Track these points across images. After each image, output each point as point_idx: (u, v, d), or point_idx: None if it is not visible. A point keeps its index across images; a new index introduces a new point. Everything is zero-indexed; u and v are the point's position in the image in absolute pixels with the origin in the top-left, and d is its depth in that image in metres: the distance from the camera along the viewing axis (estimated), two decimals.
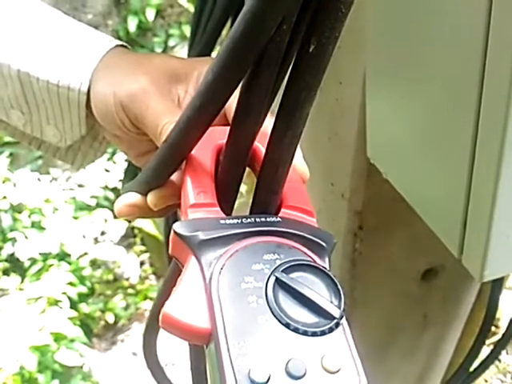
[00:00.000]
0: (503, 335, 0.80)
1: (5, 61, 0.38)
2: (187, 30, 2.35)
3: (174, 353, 1.87)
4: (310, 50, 0.23)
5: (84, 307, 1.91)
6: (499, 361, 1.78)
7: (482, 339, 0.79)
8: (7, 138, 2.12)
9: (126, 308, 2.05)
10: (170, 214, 0.79)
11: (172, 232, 0.27)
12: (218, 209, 0.29)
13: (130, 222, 2.15)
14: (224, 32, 0.72)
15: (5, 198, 2.00)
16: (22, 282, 1.92)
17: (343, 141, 0.63)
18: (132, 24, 2.32)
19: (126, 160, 2.15)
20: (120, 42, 0.40)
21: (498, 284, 0.77)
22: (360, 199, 0.64)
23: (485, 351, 0.84)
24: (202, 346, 0.54)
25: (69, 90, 0.38)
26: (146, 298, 2.07)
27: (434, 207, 0.47)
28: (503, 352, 0.89)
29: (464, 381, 0.81)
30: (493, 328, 0.83)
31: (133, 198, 0.35)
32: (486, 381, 1.80)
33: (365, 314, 0.74)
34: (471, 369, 0.83)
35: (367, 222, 0.66)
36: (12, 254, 1.97)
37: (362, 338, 0.24)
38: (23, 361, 1.61)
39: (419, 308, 0.79)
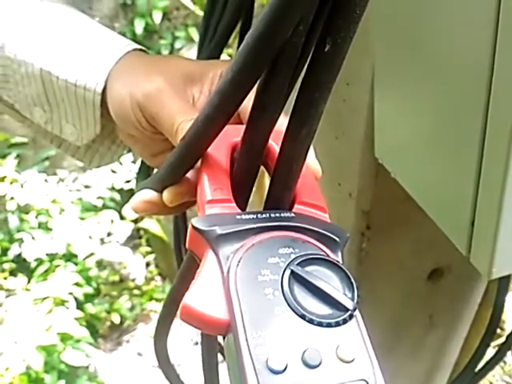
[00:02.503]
0: (508, 336, 0.80)
1: (29, 59, 0.40)
2: (193, 33, 2.36)
3: (180, 353, 1.88)
4: (326, 49, 0.24)
5: (90, 308, 1.92)
6: (504, 363, 1.78)
7: (488, 340, 0.79)
8: (14, 140, 2.14)
9: (132, 309, 2.06)
10: (179, 215, 0.80)
11: (190, 227, 0.28)
12: (234, 204, 0.30)
13: (136, 223, 2.16)
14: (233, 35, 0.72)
15: (12, 198, 2.01)
16: (29, 282, 1.93)
17: (351, 140, 0.63)
18: (139, 27, 2.33)
19: (133, 162, 2.16)
20: (138, 46, 0.41)
21: (504, 284, 0.77)
22: (367, 199, 0.64)
23: (489, 353, 0.84)
24: (215, 342, 0.55)
25: (85, 89, 0.39)
26: (151, 298, 2.08)
27: (442, 206, 0.47)
28: (508, 354, 0.89)
29: (469, 381, 0.81)
30: (497, 330, 0.83)
31: (148, 194, 0.35)
32: (491, 383, 1.80)
33: (370, 313, 0.74)
34: (476, 370, 0.83)
35: (375, 222, 0.66)
36: (19, 255, 1.98)
37: None
38: (30, 361, 1.62)
39: (425, 308, 0.80)
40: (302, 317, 0.24)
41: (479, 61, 0.38)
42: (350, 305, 0.25)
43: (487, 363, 0.82)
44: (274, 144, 0.32)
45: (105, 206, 2.13)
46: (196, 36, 2.28)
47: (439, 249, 0.71)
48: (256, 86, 0.26)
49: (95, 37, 0.40)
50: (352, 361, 0.24)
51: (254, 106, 0.27)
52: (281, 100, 0.26)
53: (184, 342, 1.94)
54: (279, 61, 0.25)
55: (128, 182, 2.13)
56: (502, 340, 0.82)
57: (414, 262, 0.72)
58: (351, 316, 0.25)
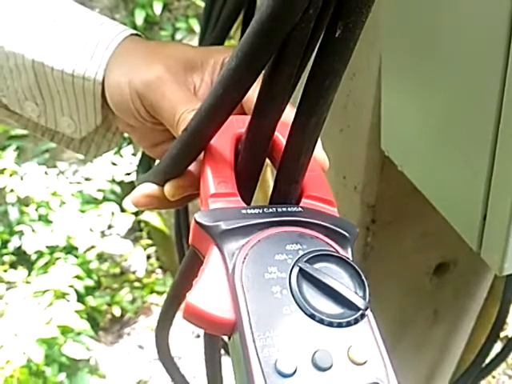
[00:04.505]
0: None
1: (19, 51, 0.38)
2: (194, 24, 2.34)
3: (180, 346, 1.88)
4: (337, 34, 0.23)
5: (91, 300, 1.92)
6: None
7: (495, 335, 0.78)
8: (14, 132, 2.12)
9: (133, 301, 2.06)
10: (181, 208, 0.79)
11: (193, 221, 0.27)
12: (239, 198, 0.28)
13: (136, 215, 2.15)
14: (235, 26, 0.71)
15: (12, 191, 2.00)
16: (29, 275, 1.92)
17: (356, 133, 0.62)
18: (139, 18, 2.31)
19: (133, 154, 2.15)
20: (134, 31, 0.39)
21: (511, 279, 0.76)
22: (373, 192, 0.63)
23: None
24: (217, 338, 0.53)
25: (84, 79, 0.38)
26: (152, 291, 2.08)
27: (452, 200, 0.46)
28: None
29: (476, 377, 0.80)
30: None
31: (149, 188, 0.34)
32: (493, 377, 1.79)
33: (375, 308, 0.73)
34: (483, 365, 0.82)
35: (380, 216, 0.65)
36: (19, 247, 1.98)
37: None
38: (30, 353, 1.62)
39: (430, 303, 0.79)
40: (312, 316, 0.23)
41: (493, 52, 0.36)
42: (361, 304, 0.24)
43: (494, 358, 0.81)
44: (280, 136, 0.31)
45: (105, 199, 2.12)
46: (197, 27, 2.26)
47: (445, 243, 0.70)
48: (262, 73, 0.25)
49: (88, 23, 0.38)
50: (364, 363, 0.23)
51: (260, 94, 0.25)
52: (289, 88, 0.25)
53: (185, 334, 1.93)
54: (287, 47, 0.23)
55: (128, 174, 2.12)
56: (504, 333, 0.81)
57: (420, 256, 0.71)
58: (363, 315, 0.24)
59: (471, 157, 0.42)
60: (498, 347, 0.83)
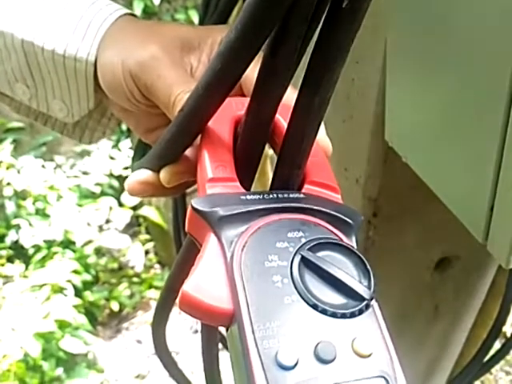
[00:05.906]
0: None
1: (8, 30, 0.36)
2: (193, 15, 2.32)
3: (178, 341, 1.87)
4: (344, 5, 0.21)
5: (89, 295, 1.91)
6: None
7: (497, 331, 0.77)
8: (11, 124, 2.11)
9: (131, 296, 2.05)
10: (179, 200, 0.77)
11: (189, 208, 0.25)
12: (238, 183, 0.27)
13: (135, 210, 2.14)
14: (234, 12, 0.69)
15: (9, 184, 1.99)
16: (27, 269, 1.91)
17: (359, 124, 0.61)
18: (138, 8, 2.28)
19: (131, 148, 2.14)
20: (128, 11, 0.38)
21: None
22: (375, 185, 0.62)
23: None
24: (215, 331, 0.52)
25: (75, 60, 0.36)
26: (150, 286, 2.07)
27: (458, 191, 0.45)
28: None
29: (477, 373, 0.79)
30: None
31: (144, 174, 0.33)
32: (490, 373, 1.79)
33: None
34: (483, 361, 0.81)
35: (382, 210, 0.64)
36: (16, 241, 1.96)
37: None
38: (28, 348, 1.61)
39: (431, 298, 0.78)
40: (314, 307, 0.22)
41: (504, 40, 0.35)
42: (366, 294, 0.23)
43: (494, 355, 0.80)
44: (282, 119, 0.30)
45: (103, 193, 2.10)
46: (196, 18, 2.24)
47: (448, 238, 0.69)
48: (264, 47, 0.23)
49: (81, 2, 0.37)
50: (369, 355, 0.21)
51: (261, 70, 0.24)
52: (292, 64, 0.23)
53: (183, 329, 1.92)
54: (291, 18, 0.22)
55: (126, 168, 2.11)
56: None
57: (422, 251, 0.70)
58: (368, 306, 0.23)
59: (479, 146, 0.40)
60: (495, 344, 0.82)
